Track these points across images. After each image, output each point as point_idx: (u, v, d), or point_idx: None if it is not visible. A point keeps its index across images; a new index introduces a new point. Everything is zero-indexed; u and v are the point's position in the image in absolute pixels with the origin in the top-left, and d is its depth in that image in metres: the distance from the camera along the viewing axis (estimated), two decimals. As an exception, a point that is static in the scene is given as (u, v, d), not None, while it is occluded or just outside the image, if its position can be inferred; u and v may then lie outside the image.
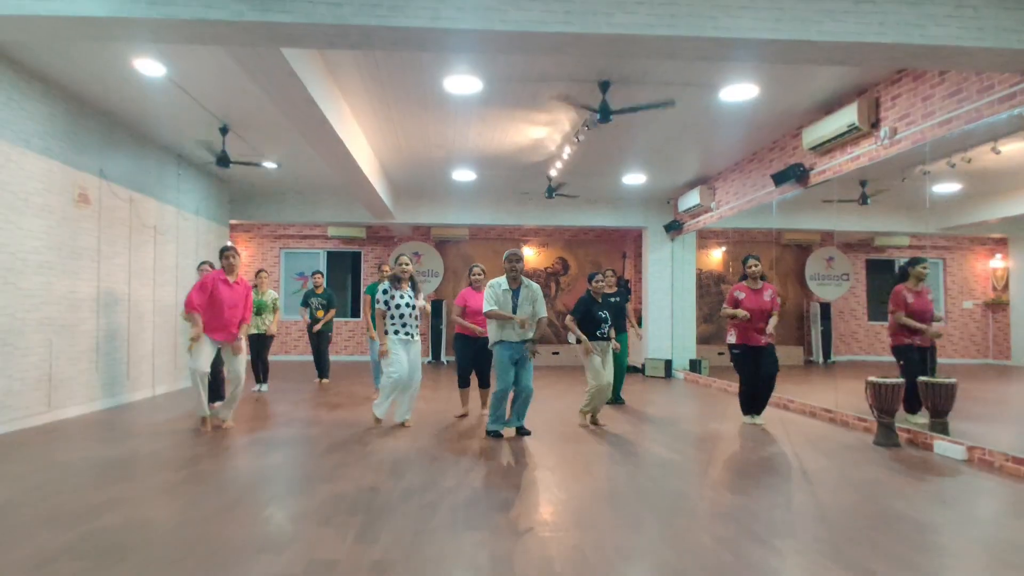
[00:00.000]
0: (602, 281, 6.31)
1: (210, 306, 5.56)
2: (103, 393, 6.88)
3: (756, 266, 6.21)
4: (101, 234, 6.87)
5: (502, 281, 5.53)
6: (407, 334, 5.85)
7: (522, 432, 5.54)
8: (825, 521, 3.31)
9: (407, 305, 5.85)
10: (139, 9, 3.49)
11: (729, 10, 3.69)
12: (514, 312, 5.42)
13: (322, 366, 9.27)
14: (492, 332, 5.53)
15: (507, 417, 5.56)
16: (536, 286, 5.63)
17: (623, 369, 7.62)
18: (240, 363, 5.77)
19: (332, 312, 9.14)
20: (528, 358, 5.48)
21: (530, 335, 5.50)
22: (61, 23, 3.60)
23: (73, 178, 6.38)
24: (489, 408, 5.58)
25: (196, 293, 5.53)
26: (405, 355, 5.79)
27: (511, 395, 5.52)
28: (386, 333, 5.80)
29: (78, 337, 6.46)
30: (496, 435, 5.42)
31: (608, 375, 6.05)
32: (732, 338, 6.16)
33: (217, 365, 6.17)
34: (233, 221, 11.23)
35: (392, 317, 5.81)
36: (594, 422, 6.07)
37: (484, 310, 5.55)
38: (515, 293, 5.50)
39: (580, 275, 13.90)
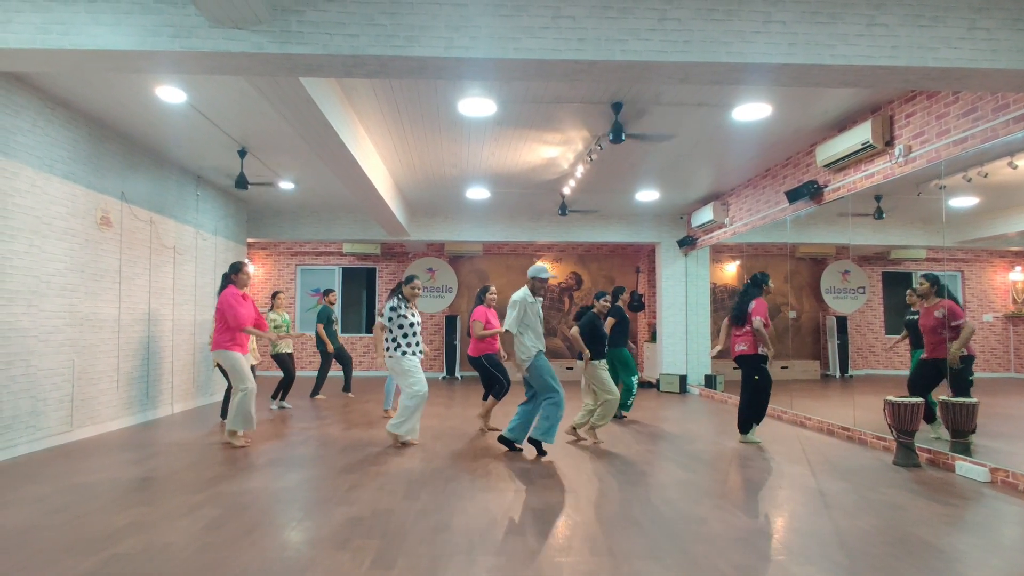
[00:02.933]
0: (607, 302, 6.56)
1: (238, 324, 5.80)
2: (124, 412, 6.96)
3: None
4: (122, 255, 6.98)
5: (528, 294, 5.56)
6: (421, 351, 5.92)
7: (536, 444, 5.54)
8: (845, 547, 3.27)
9: (418, 323, 5.93)
10: (162, 43, 3.57)
11: (743, 35, 3.71)
12: (542, 324, 5.63)
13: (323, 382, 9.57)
14: (526, 347, 5.45)
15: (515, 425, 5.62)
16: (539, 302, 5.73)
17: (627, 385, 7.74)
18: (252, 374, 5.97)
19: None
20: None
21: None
22: (85, 56, 3.69)
23: (95, 201, 6.51)
24: (542, 420, 5.39)
25: (238, 312, 5.72)
26: (422, 372, 5.88)
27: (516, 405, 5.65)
28: (396, 349, 5.79)
29: (99, 357, 6.55)
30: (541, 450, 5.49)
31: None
32: (763, 348, 6.03)
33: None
34: (250, 239, 11.37)
35: (406, 335, 5.82)
36: (576, 435, 6.18)
37: (508, 327, 5.47)
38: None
39: (594, 290, 13.88)
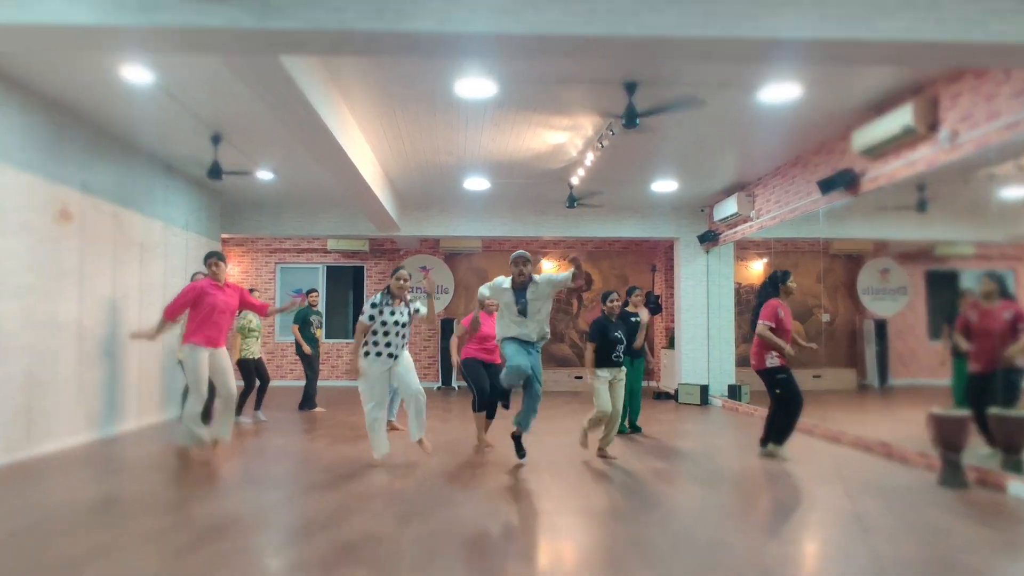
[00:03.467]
0: (616, 301, 6.49)
1: (204, 313, 5.77)
2: (86, 425, 6.97)
3: (794, 284, 6.32)
4: (84, 252, 7.00)
5: (504, 279, 5.62)
6: (390, 355, 5.70)
7: (517, 444, 5.71)
8: (884, 576, 3.26)
9: (395, 323, 5.70)
10: (128, 17, 3.57)
11: (770, 8, 3.70)
12: (523, 313, 5.51)
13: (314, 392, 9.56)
14: (499, 330, 5.72)
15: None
16: (545, 277, 5.59)
17: (637, 394, 7.78)
18: (230, 375, 5.93)
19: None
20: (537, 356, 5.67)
21: (538, 335, 5.63)
22: (45, 32, 3.71)
23: (54, 193, 6.52)
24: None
25: (175, 302, 5.83)
26: (380, 381, 5.72)
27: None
28: (366, 354, 5.69)
29: (59, 365, 6.57)
30: (520, 450, 5.72)
31: (617, 401, 6.19)
32: (775, 360, 6.05)
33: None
34: (225, 235, 11.39)
35: (376, 333, 5.67)
36: (603, 455, 6.13)
37: (478, 295, 5.89)
38: (519, 293, 5.50)
39: (605, 290, 13.88)
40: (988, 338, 5.80)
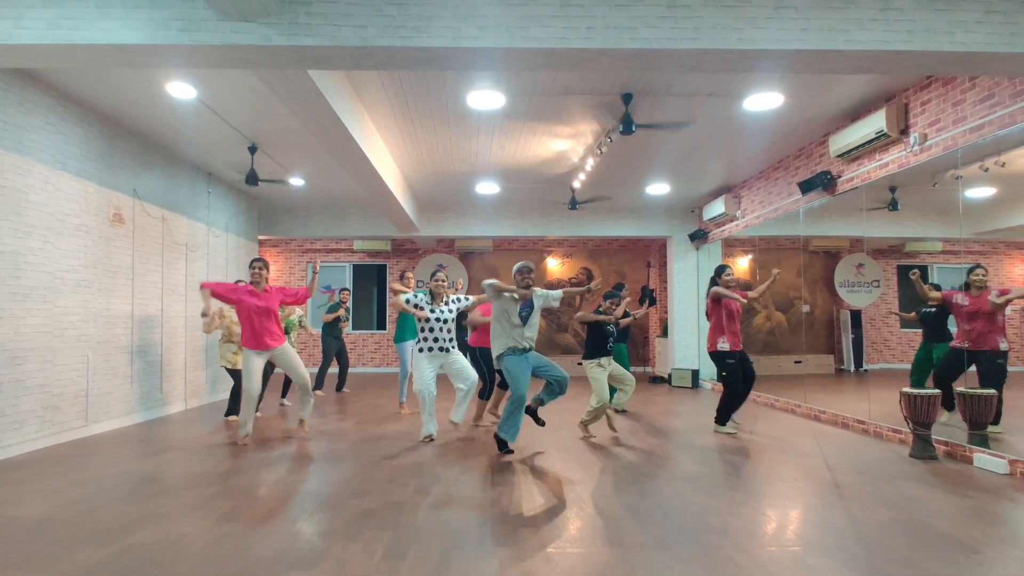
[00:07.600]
0: (616, 305, 6.63)
1: (243, 319, 5.66)
2: (138, 407, 7.02)
3: (731, 275, 6.29)
4: (135, 252, 7.03)
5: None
6: (440, 348, 5.79)
7: (533, 413, 5.31)
8: (861, 539, 3.23)
9: (437, 319, 5.81)
10: (171, 36, 3.58)
11: (754, 21, 3.66)
12: (524, 323, 5.22)
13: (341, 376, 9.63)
14: (497, 343, 5.27)
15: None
16: (543, 292, 5.41)
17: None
18: (298, 363, 5.78)
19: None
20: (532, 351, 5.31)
21: (529, 342, 5.30)
22: (97, 51, 3.72)
23: (108, 198, 6.56)
24: (501, 414, 5.27)
25: (217, 283, 5.76)
26: (431, 370, 5.79)
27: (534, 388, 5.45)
28: (420, 350, 5.83)
29: (113, 353, 6.61)
30: (504, 446, 5.23)
31: (620, 370, 6.33)
32: (725, 345, 6.10)
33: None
34: (262, 237, 11.42)
35: (423, 330, 5.82)
36: (618, 410, 6.33)
37: (484, 283, 5.35)
38: (524, 305, 5.26)
39: (605, 285, 13.82)
40: (980, 318, 5.71)
